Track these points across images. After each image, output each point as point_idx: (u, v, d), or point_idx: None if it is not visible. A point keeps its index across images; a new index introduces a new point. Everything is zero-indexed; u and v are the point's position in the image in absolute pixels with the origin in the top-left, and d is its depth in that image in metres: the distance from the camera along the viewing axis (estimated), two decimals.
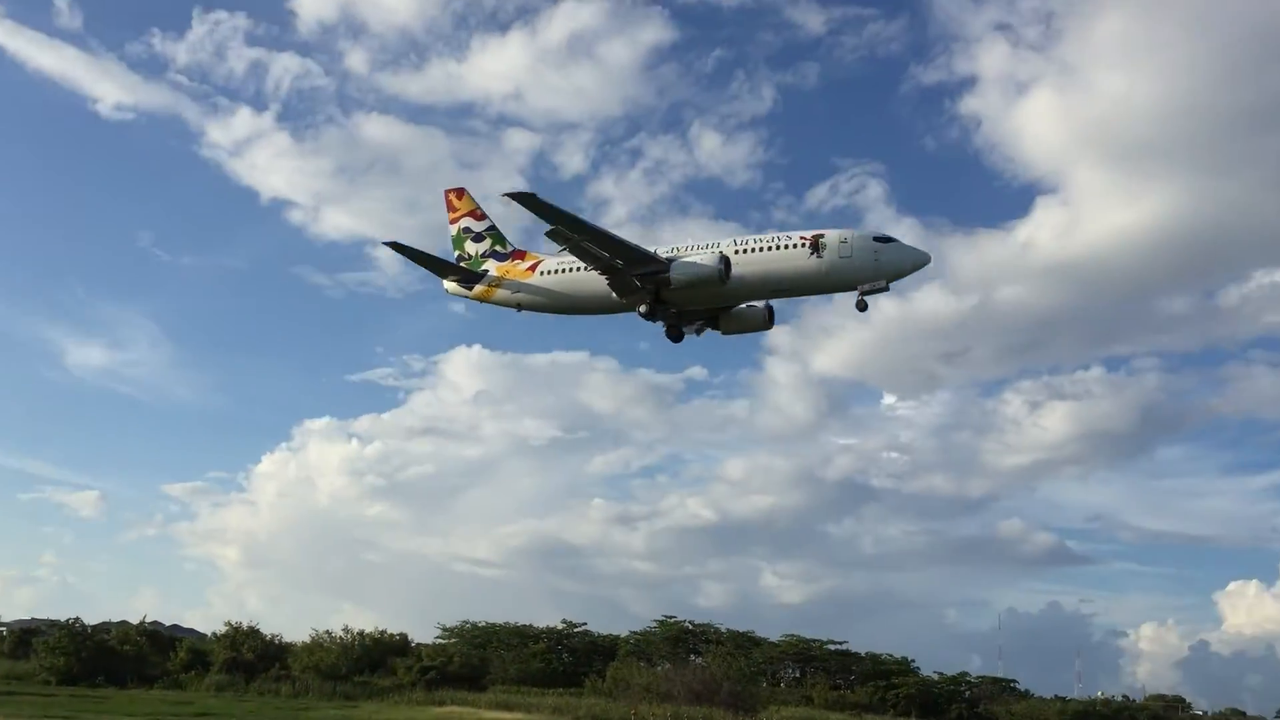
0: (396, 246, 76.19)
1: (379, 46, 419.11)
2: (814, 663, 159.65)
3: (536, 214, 64.38)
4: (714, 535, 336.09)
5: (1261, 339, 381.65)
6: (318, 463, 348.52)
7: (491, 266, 79.13)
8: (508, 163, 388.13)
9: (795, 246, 67.52)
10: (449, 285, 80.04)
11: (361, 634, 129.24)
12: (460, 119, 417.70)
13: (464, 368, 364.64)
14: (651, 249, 69.37)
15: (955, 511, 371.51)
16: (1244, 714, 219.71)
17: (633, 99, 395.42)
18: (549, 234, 65.88)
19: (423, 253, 77.76)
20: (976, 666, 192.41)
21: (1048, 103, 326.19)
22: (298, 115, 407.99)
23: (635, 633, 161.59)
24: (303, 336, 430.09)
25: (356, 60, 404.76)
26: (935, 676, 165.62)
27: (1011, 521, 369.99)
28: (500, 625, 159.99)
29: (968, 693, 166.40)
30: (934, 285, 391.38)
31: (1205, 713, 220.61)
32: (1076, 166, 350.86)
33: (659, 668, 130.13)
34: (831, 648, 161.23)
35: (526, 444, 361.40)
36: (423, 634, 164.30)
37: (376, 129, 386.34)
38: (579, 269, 72.40)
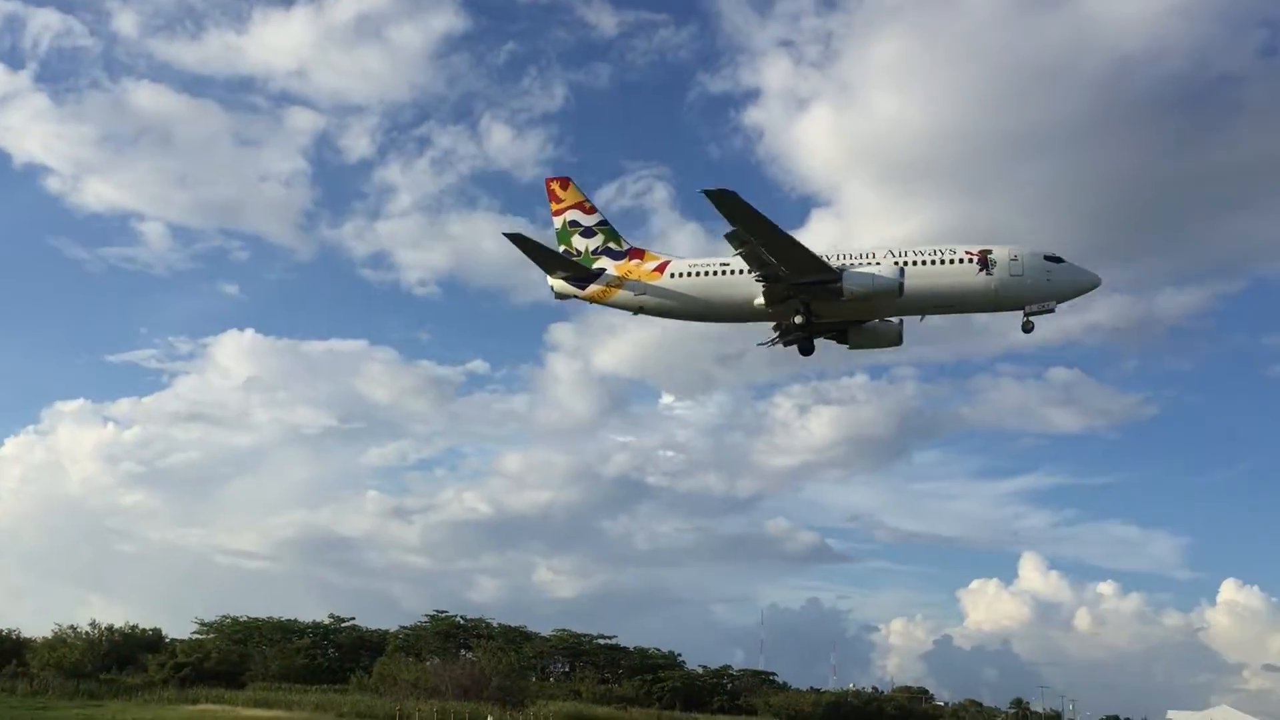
0: (518, 239, 71.35)
1: (151, 10, 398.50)
2: (584, 657, 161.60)
3: (728, 215, 61.01)
4: (490, 529, 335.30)
5: (1009, 354, 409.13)
6: (69, 447, 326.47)
7: (609, 265, 73.27)
8: (289, 143, 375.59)
9: (962, 261, 65.51)
10: (556, 283, 73.35)
11: (110, 629, 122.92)
12: (239, 93, 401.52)
13: (235, 352, 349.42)
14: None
15: (725, 510, 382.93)
16: (980, 704, 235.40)
17: (422, 86, 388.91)
18: (729, 236, 62.89)
19: (543, 247, 72.42)
20: (740, 660, 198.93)
21: (826, 119, 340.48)
22: (58, 77, 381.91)
23: (405, 628, 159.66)
24: (58, 313, 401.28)
25: (126, 22, 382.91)
26: (700, 670, 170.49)
27: (778, 520, 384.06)
28: (263, 620, 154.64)
29: (730, 685, 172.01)
30: None
31: (946, 704, 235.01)
32: (851, 182, 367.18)
33: (428, 663, 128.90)
34: (601, 642, 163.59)
35: (299, 433, 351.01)
36: (179, 629, 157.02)
37: (146, 97, 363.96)
38: (717, 273, 69.81)
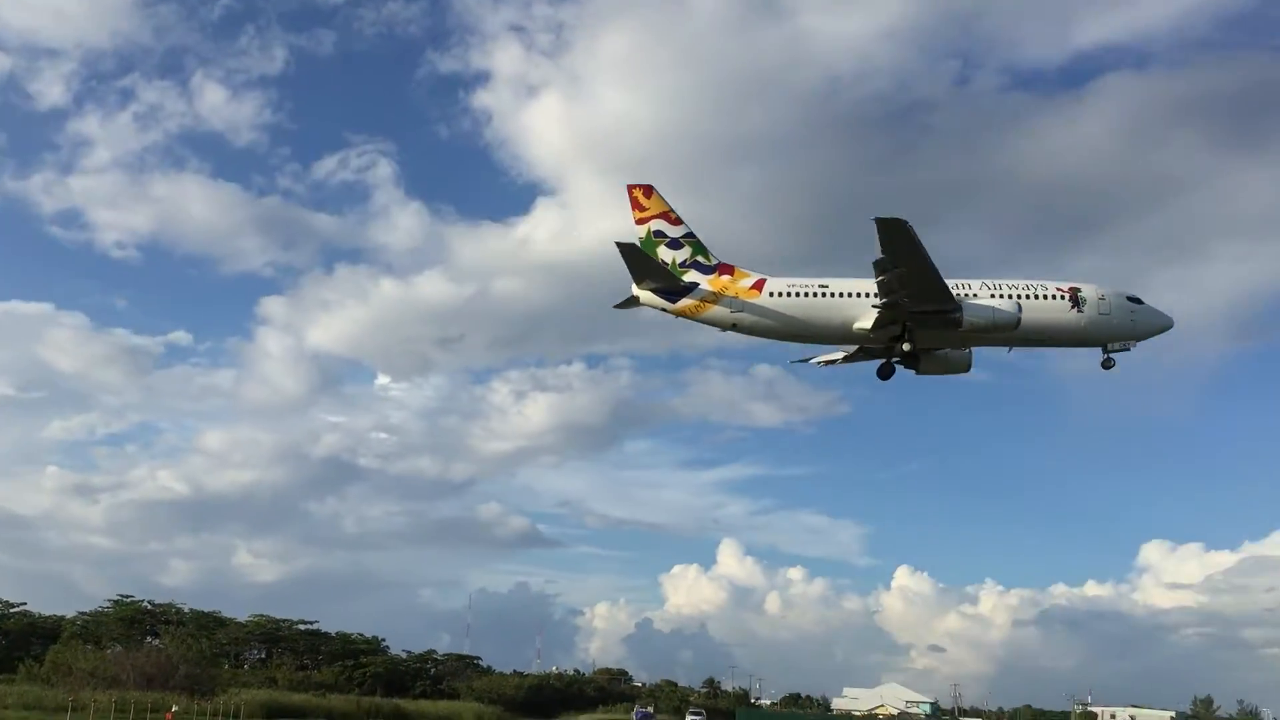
0: (629, 249, 67.72)
1: None
2: (282, 643, 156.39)
3: (889, 242, 59.48)
4: (186, 510, 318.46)
5: (718, 349, 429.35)
6: None
7: (700, 280, 70.51)
8: None
9: (1055, 298, 67.10)
10: (643, 294, 69.90)
11: None
12: None
13: None
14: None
15: (438, 493, 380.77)
16: (675, 684, 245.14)
17: (125, 34, 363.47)
18: (878, 262, 61.48)
19: (650, 258, 69.07)
20: (446, 645, 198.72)
21: (555, 109, 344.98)
22: None
23: (85, 614, 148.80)
24: None
25: None
26: (403, 655, 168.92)
27: (490, 505, 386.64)
28: None
29: (434, 670, 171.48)
30: (435, 271, 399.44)
31: (644, 684, 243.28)
32: (577, 173, 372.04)
33: (109, 651, 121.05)
34: (301, 628, 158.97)
35: None
36: None
37: None
38: (815, 294, 68.91)
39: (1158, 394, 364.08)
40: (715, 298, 69.93)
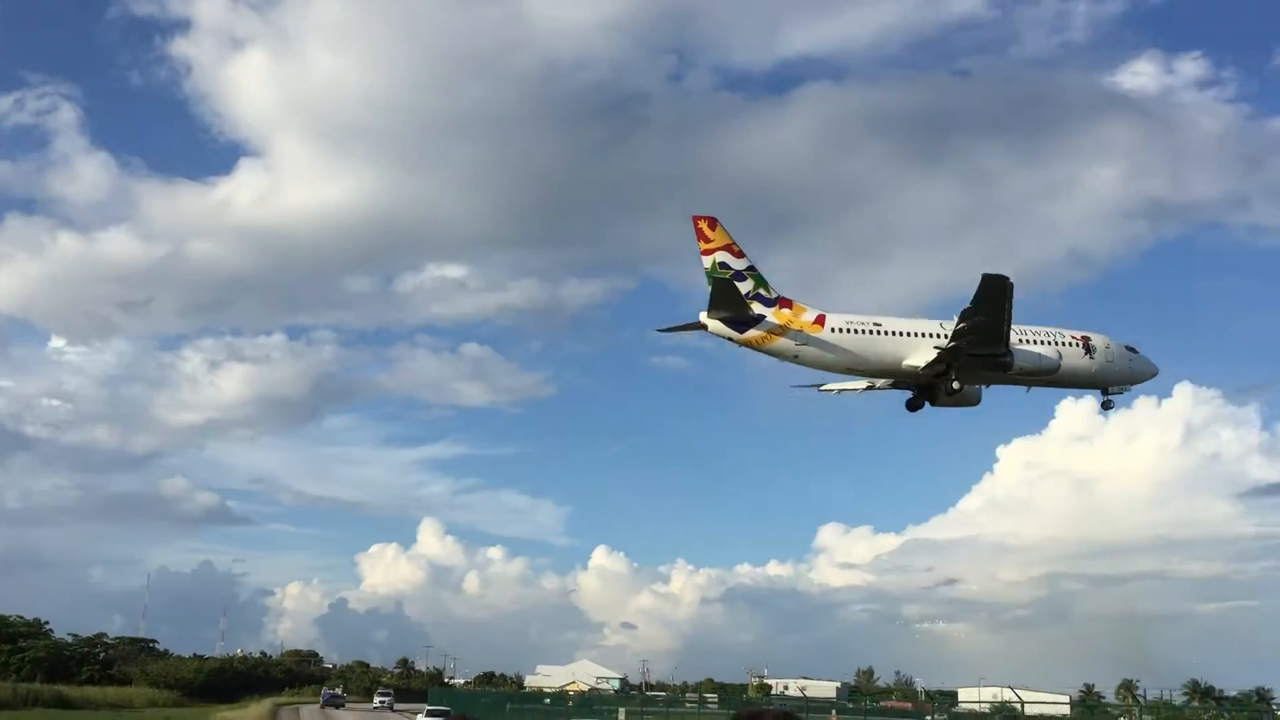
0: (724, 283, 69.16)
1: None
2: None
3: (987, 297, 64.18)
4: None
5: (428, 326, 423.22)
6: None
7: (766, 312, 71.20)
8: None
9: (1072, 345, 72.46)
10: (712, 323, 70.65)
11: None
12: None
13: None
14: None
15: (116, 466, 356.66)
16: (368, 666, 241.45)
17: None
18: (965, 311, 66.08)
19: (738, 291, 69.90)
20: (118, 627, 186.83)
21: (261, 66, 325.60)
22: None
23: None
24: None
25: None
26: (69, 639, 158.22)
27: (175, 480, 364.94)
28: None
29: (103, 654, 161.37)
30: (122, 228, 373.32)
31: (335, 665, 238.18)
32: (283, 135, 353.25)
33: None
34: None
35: None
36: None
37: None
38: (870, 331, 71.99)
39: None
40: (781, 330, 71.79)
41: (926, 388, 74.49)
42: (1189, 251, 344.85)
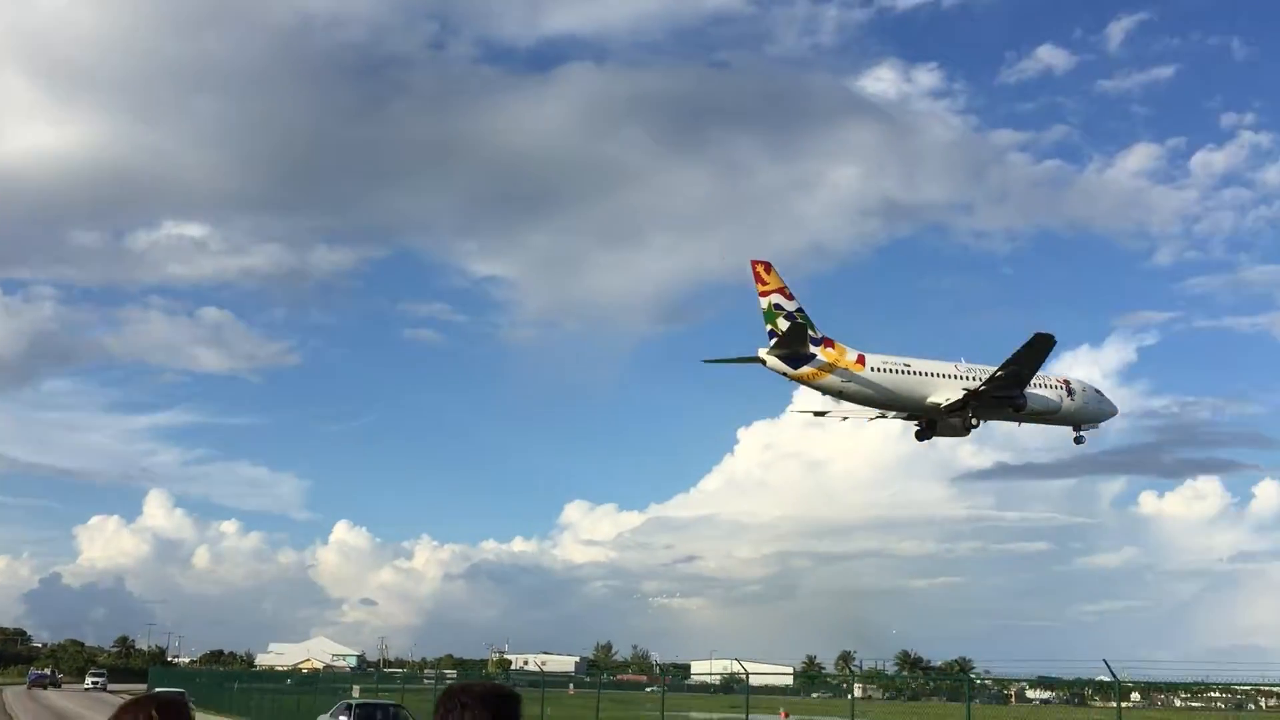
0: (798, 328, 73.85)
1: None
2: None
3: (1030, 349, 70.34)
4: None
5: (162, 286, 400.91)
6: None
7: (815, 350, 76.07)
8: None
9: (1058, 387, 78.96)
10: (771, 360, 74.97)
11: None
12: None
13: None
14: None
15: None
16: (82, 645, 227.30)
17: None
18: (1009, 362, 72.68)
19: (807, 333, 74.96)
20: None
21: None
22: None
23: None
24: None
25: None
26: None
27: None
28: None
29: None
30: None
31: (45, 644, 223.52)
32: (4, 72, 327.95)
33: None
34: None
35: None
36: None
37: None
38: (902, 371, 77.18)
39: (587, 367, 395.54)
40: (830, 368, 76.74)
41: (934, 420, 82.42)
42: (917, 250, 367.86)
